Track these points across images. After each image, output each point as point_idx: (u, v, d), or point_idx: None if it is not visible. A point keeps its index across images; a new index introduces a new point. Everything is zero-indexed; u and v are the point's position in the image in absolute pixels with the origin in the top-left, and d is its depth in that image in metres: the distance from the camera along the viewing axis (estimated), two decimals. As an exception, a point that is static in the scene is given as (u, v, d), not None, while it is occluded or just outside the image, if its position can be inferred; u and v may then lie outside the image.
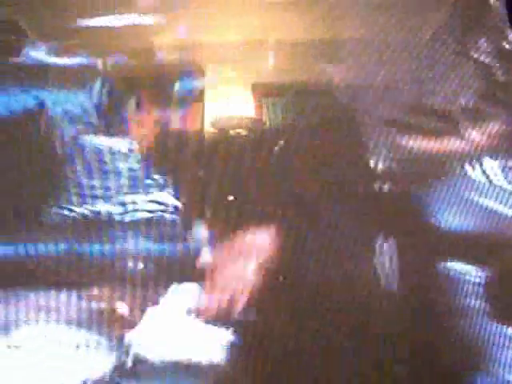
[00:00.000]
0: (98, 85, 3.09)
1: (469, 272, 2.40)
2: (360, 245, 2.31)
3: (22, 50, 3.13)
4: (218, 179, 2.61)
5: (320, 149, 2.49)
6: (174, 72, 2.92)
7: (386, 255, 2.28)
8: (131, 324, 2.19)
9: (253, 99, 2.96)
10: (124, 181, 2.81)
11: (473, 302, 2.35)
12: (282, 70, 2.87)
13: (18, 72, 3.01)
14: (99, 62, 3.08)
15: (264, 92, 2.90)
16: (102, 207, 2.76)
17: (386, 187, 2.38)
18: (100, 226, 2.73)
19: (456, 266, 2.39)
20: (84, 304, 2.27)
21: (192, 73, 2.95)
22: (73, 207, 2.77)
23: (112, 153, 2.88)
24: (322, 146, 2.49)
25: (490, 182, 2.55)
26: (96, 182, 2.82)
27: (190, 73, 2.95)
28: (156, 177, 2.80)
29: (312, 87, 2.67)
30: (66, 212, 2.75)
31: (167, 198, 2.77)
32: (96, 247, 2.64)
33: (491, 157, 2.59)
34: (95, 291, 2.32)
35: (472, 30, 2.78)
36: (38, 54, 3.15)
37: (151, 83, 2.97)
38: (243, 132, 2.75)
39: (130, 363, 2.05)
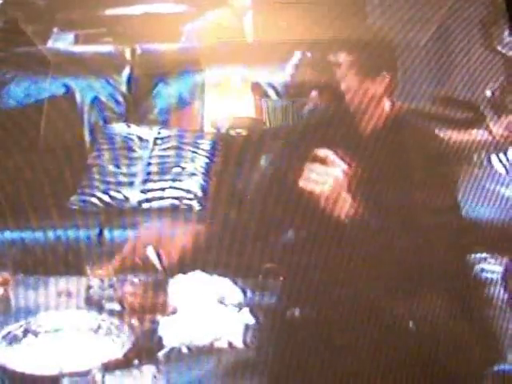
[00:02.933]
0: (126, 73, 3.13)
1: (490, 261, 2.41)
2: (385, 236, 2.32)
3: (50, 38, 3.16)
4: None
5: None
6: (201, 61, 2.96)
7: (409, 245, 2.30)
8: (152, 309, 2.22)
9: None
10: (151, 168, 2.84)
11: (494, 290, 2.36)
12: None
13: (46, 59, 3.04)
14: (127, 51, 3.12)
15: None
16: (129, 193, 2.79)
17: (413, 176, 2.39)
18: (126, 212, 2.76)
19: (478, 255, 2.40)
20: (104, 288, 2.30)
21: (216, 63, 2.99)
22: (99, 194, 2.79)
23: (140, 140, 2.91)
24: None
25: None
26: (124, 169, 2.84)
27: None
28: (184, 165, 2.82)
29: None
30: (93, 199, 2.78)
31: (194, 185, 2.80)
32: (121, 233, 2.66)
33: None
34: (117, 276, 2.34)
35: (497, 23, 2.79)
36: (66, 42, 3.18)
37: (179, 71, 3.00)
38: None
39: (150, 347, 2.08)
